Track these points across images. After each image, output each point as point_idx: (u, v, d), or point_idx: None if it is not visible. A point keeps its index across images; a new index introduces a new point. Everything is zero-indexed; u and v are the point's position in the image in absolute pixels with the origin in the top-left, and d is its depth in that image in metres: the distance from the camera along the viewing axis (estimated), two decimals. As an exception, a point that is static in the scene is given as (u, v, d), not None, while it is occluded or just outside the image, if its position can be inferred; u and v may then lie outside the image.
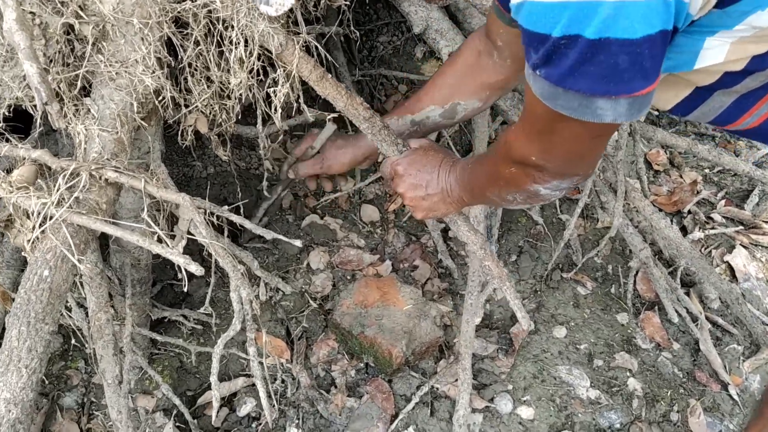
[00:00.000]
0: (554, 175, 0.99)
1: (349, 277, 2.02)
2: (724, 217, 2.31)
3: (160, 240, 1.18)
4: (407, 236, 2.13)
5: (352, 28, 1.72)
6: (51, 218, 1.12)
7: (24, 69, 1.05)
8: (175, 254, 1.11)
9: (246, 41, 1.37)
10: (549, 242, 2.16)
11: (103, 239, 1.63)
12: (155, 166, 1.43)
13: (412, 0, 1.79)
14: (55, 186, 1.15)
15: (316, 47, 1.43)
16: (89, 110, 1.25)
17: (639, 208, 1.90)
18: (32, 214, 1.14)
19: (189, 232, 1.27)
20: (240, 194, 1.97)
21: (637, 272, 2.07)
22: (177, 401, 1.61)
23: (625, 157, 2.05)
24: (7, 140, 1.30)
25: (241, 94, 1.44)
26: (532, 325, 1.91)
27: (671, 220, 2.23)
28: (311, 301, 1.94)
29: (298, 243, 1.48)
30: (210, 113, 1.46)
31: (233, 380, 1.80)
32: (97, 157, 1.23)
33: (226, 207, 1.51)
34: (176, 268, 1.34)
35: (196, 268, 1.10)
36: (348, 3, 1.62)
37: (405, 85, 2.39)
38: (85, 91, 1.29)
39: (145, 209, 1.19)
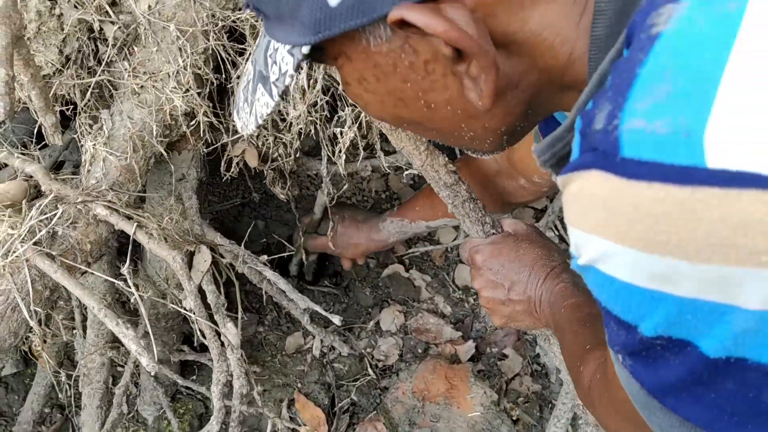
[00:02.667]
0: None
1: (420, 350, 1.68)
2: None
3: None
4: (504, 314, 1.75)
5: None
6: (11, 254, 0.92)
7: (-7, 73, 0.84)
8: (129, 338, 0.85)
9: (311, 67, 1.08)
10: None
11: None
12: (186, 197, 1.20)
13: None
14: (29, 214, 0.95)
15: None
16: (103, 126, 1.04)
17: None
18: (-3, 244, 0.95)
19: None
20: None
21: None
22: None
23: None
24: (24, 145, 1.12)
25: (301, 129, 1.16)
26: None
27: None
28: (369, 370, 1.64)
29: (336, 320, 1.19)
30: (262, 145, 1.20)
31: (260, 441, 1.55)
32: (94, 184, 1.01)
33: (265, 257, 1.25)
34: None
35: (146, 362, 0.84)
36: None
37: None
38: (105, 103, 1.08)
39: (127, 265, 0.95)
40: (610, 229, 0.40)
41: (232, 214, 1.83)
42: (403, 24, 0.46)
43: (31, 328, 0.94)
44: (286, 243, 1.74)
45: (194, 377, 1.59)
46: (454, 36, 0.45)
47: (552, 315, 0.93)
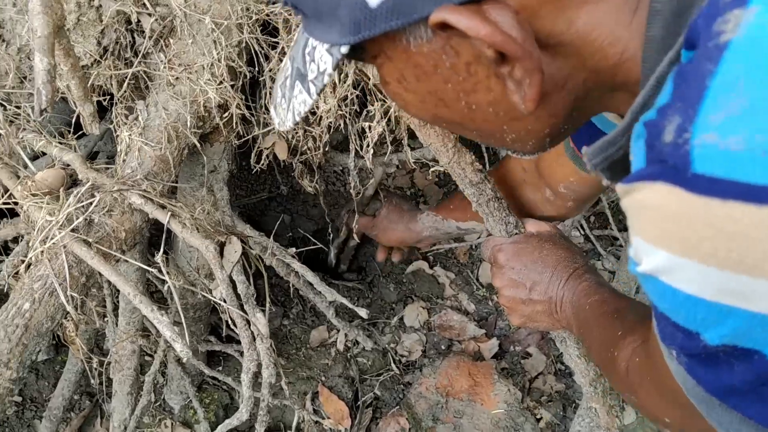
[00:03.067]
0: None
1: (444, 347, 1.69)
2: None
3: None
4: (529, 313, 1.75)
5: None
6: (49, 240, 0.94)
7: (34, 61, 0.86)
8: (164, 324, 0.86)
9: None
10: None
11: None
12: (218, 189, 1.21)
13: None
14: (67, 202, 0.97)
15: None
16: (139, 116, 1.06)
17: None
18: (35, 230, 0.97)
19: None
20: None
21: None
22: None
23: None
24: (61, 134, 1.14)
25: (331, 123, 1.17)
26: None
27: None
28: (393, 365, 1.64)
29: (363, 313, 1.20)
30: (292, 138, 1.21)
31: (283, 433, 1.57)
32: (130, 174, 1.03)
33: (293, 250, 1.26)
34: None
35: (180, 348, 0.85)
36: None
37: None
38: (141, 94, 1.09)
39: (161, 252, 0.97)
40: (677, 243, 0.39)
41: (258, 208, 1.85)
42: (444, 26, 0.45)
43: (67, 313, 0.96)
44: (311, 237, 1.75)
45: (220, 368, 1.61)
46: (498, 40, 0.44)
47: (575, 314, 0.92)
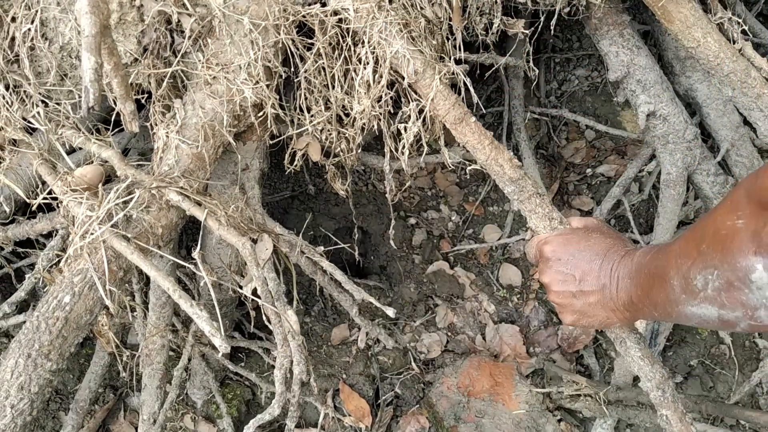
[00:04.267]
0: None
1: (464, 346, 1.70)
2: None
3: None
4: (549, 315, 1.76)
5: (530, 61, 1.38)
6: (90, 235, 0.95)
7: (82, 59, 0.87)
8: (203, 319, 0.88)
9: (377, 61, 1.10)
10: (733, 371, 1.66)
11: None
12: (249, 187, 1.23)
13: (614, 39, 1.40)
14: (107, 197, 0.98)
15: (464, 83, 1.13)
16: (176, 114, 1.07)
17: None
18: (76, 225, 0.99)
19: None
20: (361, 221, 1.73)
21: None
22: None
23: None
24: (98, 131, 1.16)
25: (365, 124, 1.18)
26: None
27: None
28: (413, 364, 1.66)
29: (390, 312, 1.21)
30: (326, 139, 1.22)
31: (305, 430, 1.58)
32: (167, 171, 1.04)
33: (322, 248, 1.27)
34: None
35: (219, 343, 0.87)
36: (526, 32, 1.29)
37: (594, 131, 1.98)
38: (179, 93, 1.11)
39: (198, 248, 0.98)
40: None
41: (281, 207, 1.86)
42: None
43: (105, 307, 0.98)
44: (332, 236, 1.76)
45: (242, 364, 1.63)
46: None
47: (634, 282, 0.83)
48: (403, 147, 1.15)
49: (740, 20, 1.27)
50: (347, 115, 1.17)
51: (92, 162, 1.07)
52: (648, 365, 0.98)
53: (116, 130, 1.15)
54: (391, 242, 1.54)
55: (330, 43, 1.11)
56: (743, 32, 1.29)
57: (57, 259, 1.23)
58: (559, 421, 1.52)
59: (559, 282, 0.91)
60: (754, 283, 0.59)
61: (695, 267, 0.67)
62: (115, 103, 1.02)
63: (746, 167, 1.44)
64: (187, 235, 1.66)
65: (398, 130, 1.19)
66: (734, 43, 1.27)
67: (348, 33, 1.09)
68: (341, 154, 1.25)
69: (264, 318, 1.03)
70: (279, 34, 1.08)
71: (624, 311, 0.86)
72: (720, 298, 0.64)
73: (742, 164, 1.45)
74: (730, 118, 1.43)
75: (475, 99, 1.15)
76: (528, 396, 1.49)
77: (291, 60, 1.12)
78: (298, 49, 1.11)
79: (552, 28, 1.37)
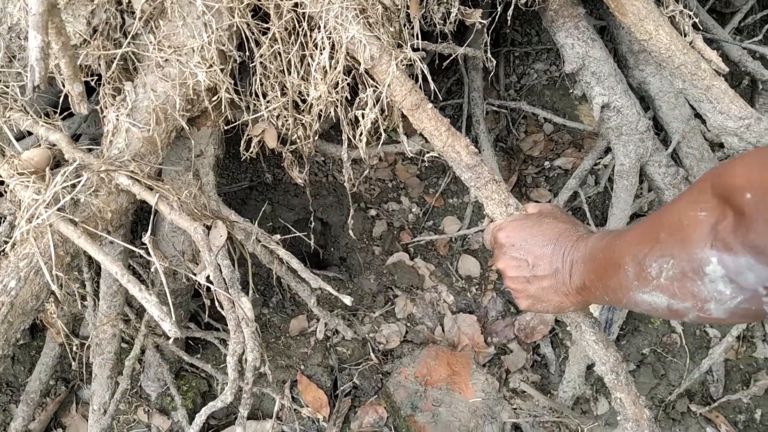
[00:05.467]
0: (759, 240, 0.55)
1: (422, 336, 1.70)
2: None
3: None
4: (506, 305, 1.78)
5: (488, 52, 1.38)
6: (36, 219, 0.93)
7: (29, 38, 0.85)
8: (153, 303, 0.86)
9: (333, 47, 1.10)
10: (684, 359, 1.70)
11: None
12: (203, 173, 1.21)
13: (570, 32, 1.42)
14: (54, 181, 0.96)
15: (422, 69, 1.13)
16: (127, 97, 1.05)
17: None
18: (22, 209, 0.96)
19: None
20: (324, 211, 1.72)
21: (793, 433, 1.57)
22: (189, 433, 1.39)
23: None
24: (47, 114, 1.13)
25: (321, 111, 1.18)
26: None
27: None
28: (372, 355, 1.65)
29: (347, 300, 1.21)
30: (282, 126, 1.21)
31: (261, 422, 1.57)
32: (117, 155, 1.02)
33: (278, 236, 1.27)
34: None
35: (169, 327, 0.85)
36: (484, 22, 1.29)
37: (552, 125, 2.01)
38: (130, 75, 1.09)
39: (149, 233, 0.96)
40: None
41: (239, 197, 1.85)
42: None
43: (51, 293, 0.96)
44: (291, 227, 1.75)
45: (198, 355, 1.61)
46: None
47: (587, 266, 0.83)
48: (361, 134, 1.15)
49: (691, 13, 1.30)
50: (304, 101, 1.17)
51: (40, 145, 1.04)
52: (602, 349, 0.99)
53: (66, 114, 1.12)
54: (351, 233, 1.54)
55: (286, 28, 1.10)
56: (694, 25, 1.32)
57: (4, 246, 1.20)
58: (514, 409, 1.54)
59: (514, 267, 0.92)
60: (707, 275, 0.61)
61: (652, 254, 0.68)
62: (63, 85, 1.00)
63: (696, 159, 1.47)
64: (142, 225, 1.64)
65: (356, 117, 1.19)
66: (685, 35, 1.29)
67: (304, 18, 1.09)
68: (298, 141, 1.24)
69: (218, 305, 1.01)
70: (233, 17, 1.06)
71: (576, 295, 0.87)
72: (672, 287, 0.66)
73: (693, 156, 1.48)
74: (681, 111, 1.47)
75: (433, 87, 1.16)
76: (484, 384, 1.50)
77: (246, 44, 1.11)
78: (253, 33, 1.10)
79: (510, 19, 1.38)
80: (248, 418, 1.57)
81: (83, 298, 1.32)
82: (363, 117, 1.17)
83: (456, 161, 1.02)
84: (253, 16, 1.09)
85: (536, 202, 1.89)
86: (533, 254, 0.90)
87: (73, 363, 1.27)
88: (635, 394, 0.99)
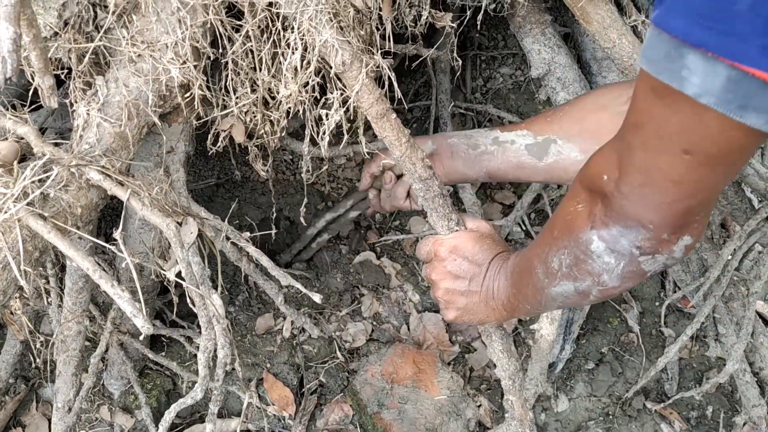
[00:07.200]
0: (621, 211, 0.67)
1: (388, 334, 1.72)
2: None
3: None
4: (471, 304, 1.80)
5: (455, 54, 1.41)
6: (3, 213, 0.92)
7: (0, 29, 0.84)
8: (124, 299, 0.86)
9: (306, 48, 1.11)
10: (640, 357, 1.76)
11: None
12: (174, 170, 1.21)
13: (537, 38, 1.46)
14: (23, 175, 0.95)
15: (389, 77, 1.15)
16: (98, 92, 1.04)
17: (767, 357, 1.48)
18: (-12, 203, 0.94)
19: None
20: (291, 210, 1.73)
21: (742, 428, 1.63)
22: (153, 432, 1.39)
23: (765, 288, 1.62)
24: (14, 107, 1.11)
25: (290, 108, 1.18)
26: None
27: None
28: (338, 353, 1.67)
29: (317, 298, 1.22)
30: (250, 121, 1.22)
31: (227, 420, 1.56)
32: (88, 149, 1.02)
33: (248, 234, 1.27)
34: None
35: (142, 323, 0.85)
36: (453, 25, 1.32)
37: (517, 128, 2.05)
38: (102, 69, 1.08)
39: (120, 229, 0.96)
40: None
41: (206, 194, 1.84)
42: None
43: (19, 288, 0.95)
44: (258, 226, 1.75)
45: (163, 353, 1.59)
46: None
47: (510, 281, 0.95)
48: (324, 133, 1.16)
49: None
50: (273, 98, 1.17)
51: (7, 138, 1.02)
52: (506, 358, 1.15)
53: (33, 107, 1.10)
54: (303, 221, 1.54)
55: (259, 27, 1.10)
56: (655, 36, 1.37)
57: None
58: (479, 406, 1.57)
59: (449, 280, 1.02)
60: (593, 252, 0.72)
61: (551, 251, 0.80)
62: (33, 78, 0.99)
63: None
64: (106, 222, 1.62)
65: (320, 116, 1.20)
66: (646, 45, 1.34)
67: (278, 18, 1.09)
68: (265, 136, 1.25)
69: (189, 302, 1.01)
70: (208, 14, 1.06)
71: (502, 310, 0.98)
72: (573, 272, 0.77)
73: (652, 161, 1.53)
74: (642, 117, 1.52)
75: (398, 95, 1.18)
76: (450, 382, 1.53)
77: (219, 41, 1.11)
78: (226, 30, 1.10)
79: (479, 24, 1.41)
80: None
81: (48, 293, 1.30)
82: (327, 117, 1.19)
83: (411, 171, 1.06)
84: (227, 14, 1.10)
85: (501, 205, 1.93)
86: (470, 271, 1.00)
87: (34, 360, 1.25)
88: (524, 399, 1.17)
